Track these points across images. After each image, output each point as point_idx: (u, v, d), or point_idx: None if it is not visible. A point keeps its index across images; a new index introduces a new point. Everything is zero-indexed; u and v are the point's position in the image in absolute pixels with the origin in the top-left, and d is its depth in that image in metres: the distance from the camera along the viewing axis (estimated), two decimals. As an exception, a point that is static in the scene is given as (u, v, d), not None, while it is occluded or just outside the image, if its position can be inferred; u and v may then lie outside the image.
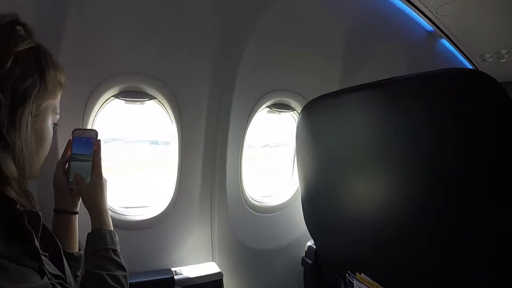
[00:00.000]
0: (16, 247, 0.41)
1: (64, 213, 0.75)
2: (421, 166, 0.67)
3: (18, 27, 0.50)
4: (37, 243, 0.44)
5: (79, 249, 0.77)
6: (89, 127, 1.06)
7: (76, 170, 0.74)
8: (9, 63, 0.45)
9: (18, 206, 0.43)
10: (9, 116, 0.46)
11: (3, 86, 0.45)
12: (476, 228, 0.59)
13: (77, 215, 0.77)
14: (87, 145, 0.76)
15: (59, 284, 0.47)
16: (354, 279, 0.96)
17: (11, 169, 0.45)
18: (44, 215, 0.72)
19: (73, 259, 0.72)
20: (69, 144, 0.77)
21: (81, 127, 1.01)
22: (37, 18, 0.85)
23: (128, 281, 0.67)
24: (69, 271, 0.60)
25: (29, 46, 0.50)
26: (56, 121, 0.61)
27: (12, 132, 0.46)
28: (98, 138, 0.78)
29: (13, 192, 0.45)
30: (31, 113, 0.50)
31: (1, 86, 0.44)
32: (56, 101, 0.59)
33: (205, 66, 1.19)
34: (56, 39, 0.92)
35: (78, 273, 0.73)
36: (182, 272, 1.19)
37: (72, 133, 0.77)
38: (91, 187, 0.74)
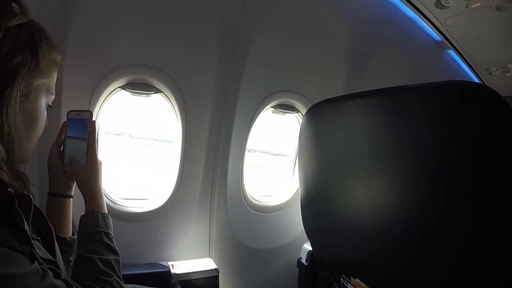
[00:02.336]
0: (6, 230, 0.39)
1: (58, 196, 0.73)
2: (421, 174, 0.68)
3: (13, 4, 0.48)
4: (27, 227, 0.42)
5: (73, 234, 0.75)
6: (94, 117, 1.06)
7: (70, 152, 0.72)
8: None
9: (9, 189, 0.41)
10: None
11: None
12: (476, 233, 0.60)
13: (71, 199, 0.75)
14: (82, 126, 0.73)
15: (51, 269, 0.45)
16: (348, 283, 0.96)
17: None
18: (44, 199, 0.73)
19: (66, 243, 0.70)
20: (64, 125, 0.76)
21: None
22: (45, 7, 0.86)
23: (125, 273, 0.65)
24: (61, 256, 0.59)
25: (21, 22, 0.48)
26: (50, 103, 0.58)
27: None
28: (93, 119, 0.75)
29: (4, 174, 0.44)
30: (21, 92, 0.47)
31: None
32: (51, 80, 0.56)
33: (212, 63, 1.20)
34: (64, 28, 0.93)
35: (71, 258, 0.71)
36: (179, 266, 1.19)
37: (67, 114, 0.75)
38: (86, 169, 0.71)
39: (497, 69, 1.78)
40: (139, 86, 1.16)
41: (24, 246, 0.40)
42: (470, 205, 0.60)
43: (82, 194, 0.71)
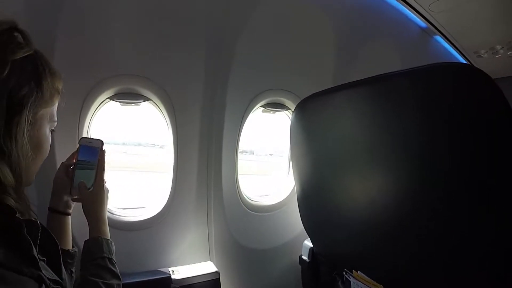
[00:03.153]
0: (15, 255, 0.41)
1: (58, 213, 0.76)
2: (414, 163, 0.66)
3: (16, 34, 0.50)
4: (35, 252, 0.44)
5: (73, 246, 0.79)
6: (85, 128, 1.09)
7: (80, 177, 0.76)
8: (6, 72, 0.46)
9: (17, 215, 0.43)
10: (5, 125, 0.46)
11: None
12: (473, 224, 0.59)
13: (70, 215, 0.79)
14: (92, 154, 0.78)
15: None
16: (351, 277, 0.96)
17: (8, 177, 0.46)
18: (43, 213, 0.75)
19: (68, 256, 0.74)
20: (76, 151, 0.79)
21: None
22: (32, 18, 0.87)
23: (126, 281, 0.68)
24: (65, 270, 0.61)
25: (26, 54, 0.50)
26: (53, 128, 0.61)
27: (8, 141, 0.46)
28: (104, 149, 0.80)
29: (11, 199, 0.46)
30: (28, 121, 0.50)
31: None
32: (53, 108, 0.59)
33: (199, 67, 1.20)
34: (51, 41, 0.93)
35: (73, 269, 0.75)
36: (179, 272, 1.19)
37: (79, 141, 0.80)
38: (93, 196, 0.75)
39: (486, 52, 1.77)
40: (127, 96, 1.17)
41: (32, 269, 0.43)
42: (468, 200, 0.58)
43: (87, 219, 0.75)
